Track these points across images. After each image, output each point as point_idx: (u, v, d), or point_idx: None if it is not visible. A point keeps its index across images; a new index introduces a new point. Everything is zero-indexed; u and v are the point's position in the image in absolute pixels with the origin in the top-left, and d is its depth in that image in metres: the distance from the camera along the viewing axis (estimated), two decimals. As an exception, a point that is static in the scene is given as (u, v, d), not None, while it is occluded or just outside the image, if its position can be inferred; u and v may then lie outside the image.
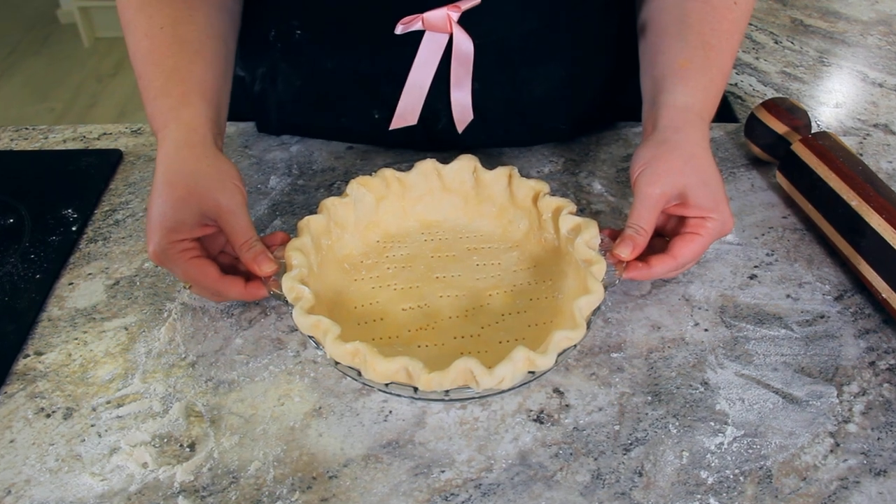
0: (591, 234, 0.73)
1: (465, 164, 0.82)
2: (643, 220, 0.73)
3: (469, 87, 0.85)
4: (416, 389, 0.62)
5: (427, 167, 0.82)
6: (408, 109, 0.86)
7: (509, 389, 0.64)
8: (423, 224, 0.83)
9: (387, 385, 0.63)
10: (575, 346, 0.64)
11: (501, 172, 0.81)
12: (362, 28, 0.86)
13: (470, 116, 0.88)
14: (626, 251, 0.72)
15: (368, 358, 0.61)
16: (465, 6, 0.79)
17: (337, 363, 0.64)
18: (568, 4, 0.86)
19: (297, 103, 0.96)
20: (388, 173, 0.80)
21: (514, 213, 0.81)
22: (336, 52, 0.90)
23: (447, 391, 0.62)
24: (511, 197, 0.81)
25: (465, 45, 0.82)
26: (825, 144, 0.84)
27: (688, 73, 0.79)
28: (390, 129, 0.88)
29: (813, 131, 0.90)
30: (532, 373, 0.63)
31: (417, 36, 0.81)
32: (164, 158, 0.73)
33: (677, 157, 0.74)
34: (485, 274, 0.78)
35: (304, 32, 0.89)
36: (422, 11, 0.79)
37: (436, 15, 0.79)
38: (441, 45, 0.81)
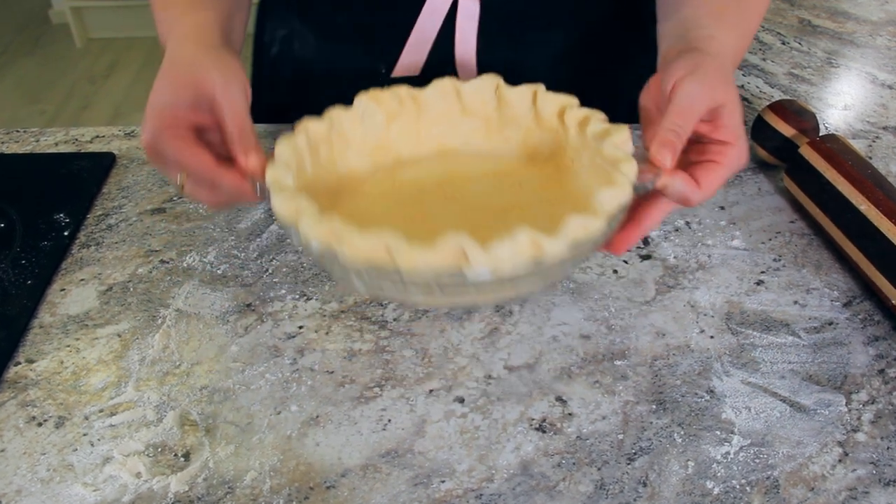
0: (621, 137, 0.66)
1: (487, 82, 0.75)
2: (685, 123, 0.63)
3: (474, 44, 0.86)
4: (400, 277, 0.55)
5: (445, 86, 0.75)
6: (412, 59, 0.87)
7: (515, 295, 0.57)
8: (440, 150, 0.77)
9: (367, 274, 0.56)
10: (591, 248, 0.58)
11: (526, 90, 0.75)
12: None
13: (474, 74, 0.90)
14: (667, 157, 0.62)
15: (345, 235, 0.55)
16: None
17: (318, 254, 0.58)
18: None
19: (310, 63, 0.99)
20: (403, 90, 0.74)
21: (540, 135, 0.75)
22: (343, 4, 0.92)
23: (441, 285, 0.55)
24: (536, 117, 0.75)
25: (471, 2, 0.83)
26: (833, 147, 0.84)
27: (723, 16, 0.73)
28: (392, 76, 0.90)
29: (821, 134, 0.90)
30: (539, 266, 0.55)
31: None
32: (168, 54, 0.70)
33: (720, 73, 0.66)
34: (503, 196, 0.72)
35: None
36: None
37: None
38: (444, 9, 0.82)
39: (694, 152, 0.65)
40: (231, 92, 0.66)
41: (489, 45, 0.88)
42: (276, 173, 0.63)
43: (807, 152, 0.86)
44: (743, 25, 0.75)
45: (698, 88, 0.64)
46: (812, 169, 0.84)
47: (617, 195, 0.59)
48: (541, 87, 0.74)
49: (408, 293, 0.58)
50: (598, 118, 0.70)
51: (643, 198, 0.65)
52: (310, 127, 0.69)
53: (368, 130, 0.74)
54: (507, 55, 0.92)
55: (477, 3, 0.83)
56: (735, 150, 0.65)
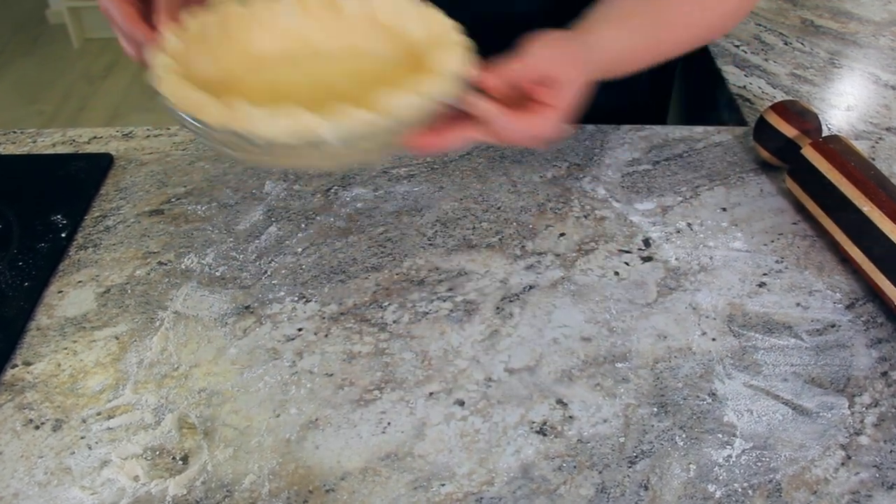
0: (453, 54, 0.68)
1: None
2: (517, 67, 0.68)
3: None
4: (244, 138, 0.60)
5: None
6: None
7: (344, 162, 0.64)
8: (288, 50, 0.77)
9: (220, 135, 0.61)
10: (389, 135, 0.63)
11: None
12: None
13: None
14: (484, 75, 0.68)
15: (205, 103, 0.61)
16: None
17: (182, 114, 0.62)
18: None
19: None
20: None
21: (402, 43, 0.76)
22: None
23: (274, 145, 0.60)
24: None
25: None
26: (836, 148, 0.84)
27: (627, 19, 0.77)
28: None
29: (824, 135, 0.90)
30: (348, 138, 0.61)
31: None
32: None
33: (577, 56, 0.71)
34: (353, 78, 0.74)
35: None
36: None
37: None
38: None
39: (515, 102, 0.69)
40: None
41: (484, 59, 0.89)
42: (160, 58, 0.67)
43: (809, 153, 0.86)
44: (650, 33, 0.78)
45: (544, 51, 0.69)
46: (814, 170, 0.85)
47: (411, 101, 0.62)
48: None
49: (252, 153, 0.63)
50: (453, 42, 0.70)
51: (454, 115, 0.68)
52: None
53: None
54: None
55: None
56: (551, 112, 0.69)
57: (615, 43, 0.76)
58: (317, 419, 0.68)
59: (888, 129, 1.02)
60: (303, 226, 0.87)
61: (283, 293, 0.79)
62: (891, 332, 0.76)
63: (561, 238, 0.85)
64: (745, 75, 1.14)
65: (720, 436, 0.67)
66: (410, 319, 0.77)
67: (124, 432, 0.68)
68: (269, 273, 0.82)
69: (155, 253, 0.84)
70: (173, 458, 0.66)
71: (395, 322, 0.77)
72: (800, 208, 0.89)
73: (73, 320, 0.77)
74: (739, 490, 0.63)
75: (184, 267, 0.83)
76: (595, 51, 0.73)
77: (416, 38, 0.75)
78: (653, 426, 0.68)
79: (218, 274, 0.82)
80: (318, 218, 0.88)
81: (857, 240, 0.79)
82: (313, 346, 0.74)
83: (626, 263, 0.82)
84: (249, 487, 0.64)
